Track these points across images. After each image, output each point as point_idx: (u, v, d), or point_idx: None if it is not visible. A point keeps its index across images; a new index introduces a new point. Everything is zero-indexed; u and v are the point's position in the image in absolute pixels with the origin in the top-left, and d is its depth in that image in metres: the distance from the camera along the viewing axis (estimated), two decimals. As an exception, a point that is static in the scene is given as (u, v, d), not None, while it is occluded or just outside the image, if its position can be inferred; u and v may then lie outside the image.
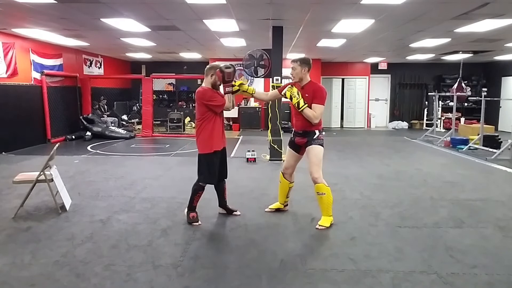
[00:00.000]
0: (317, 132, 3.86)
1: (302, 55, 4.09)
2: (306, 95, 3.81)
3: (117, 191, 5.17)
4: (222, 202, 4.20)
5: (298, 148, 4.02)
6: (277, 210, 4.33)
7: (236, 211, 4.23)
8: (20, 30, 7.90)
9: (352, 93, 14.52)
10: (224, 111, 3.95)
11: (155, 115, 11.90)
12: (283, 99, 4.59)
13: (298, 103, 3.75)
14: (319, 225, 3.84)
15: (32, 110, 9.01)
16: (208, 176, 3.84)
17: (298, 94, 3.79)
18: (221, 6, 5.70)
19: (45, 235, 3.60)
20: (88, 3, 5.59)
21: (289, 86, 3.96)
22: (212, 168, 3.84)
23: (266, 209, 4.34)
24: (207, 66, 3.91)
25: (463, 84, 10.96)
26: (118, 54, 12.74)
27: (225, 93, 3.87)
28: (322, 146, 3.86)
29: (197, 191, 3.88)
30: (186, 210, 3.99)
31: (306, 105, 3.76)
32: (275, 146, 7.33)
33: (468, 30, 7.37)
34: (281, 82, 7.19)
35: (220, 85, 3.88)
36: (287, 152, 4.17)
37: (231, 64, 3.86)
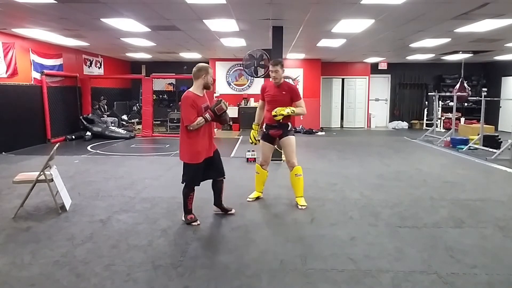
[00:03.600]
0: (289, 124, 4.38)
1: (280, 58, 4.61)
2: (283, 92, 4.30)
3: (117, 191, 5.17)
4: (218, 201, 4.16)
5: (273, 140, 4.49)
6: (257, 198, 4.72)
7: (231, 209, 4.21)
8: (20, 30, 7.90)
9: (352, 93, 14.52)
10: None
11: (155, 115, 11.89)
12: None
13: (293, 112, 4.22)
14: (301, 206, 4.35)
15: (32, 110, 9.01)
16: (191, 180, 3.80)
17: (285, 109, 4.19)
18: (221, 6, 5.70)
19: (45, 235, 3.60)
20: (88, 3, 5.59)
21: (280, 109, 4.18)
22: (194, 174, 3.78)
23: (248, 199, 4.67)
24: (195, 69, 3.74)
25: (465, 84, 10.95)
26: (118, 54, 12.74)
27: (204, 116, 3.66)
28: (294, 135, 4.43)
29: (187, 194, 3.85)
30: (183, 216, 3.97)
31: (293, 109, 4.23)
32: (275, 146, 7.30)
33: (468, 30, 7.37)
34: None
35: (211, 88, 3.83)
36: (263, 146, 4.55)
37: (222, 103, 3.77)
